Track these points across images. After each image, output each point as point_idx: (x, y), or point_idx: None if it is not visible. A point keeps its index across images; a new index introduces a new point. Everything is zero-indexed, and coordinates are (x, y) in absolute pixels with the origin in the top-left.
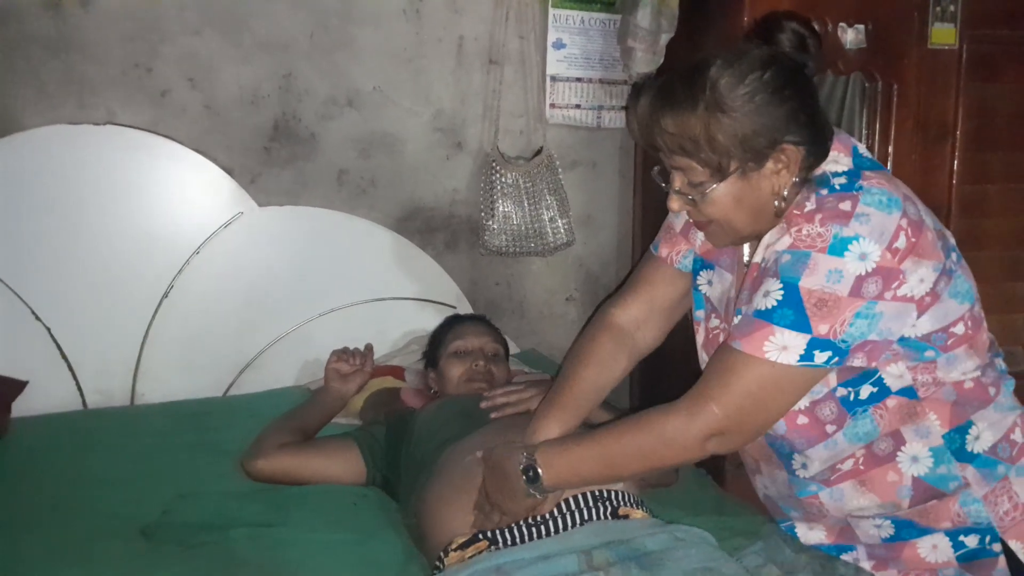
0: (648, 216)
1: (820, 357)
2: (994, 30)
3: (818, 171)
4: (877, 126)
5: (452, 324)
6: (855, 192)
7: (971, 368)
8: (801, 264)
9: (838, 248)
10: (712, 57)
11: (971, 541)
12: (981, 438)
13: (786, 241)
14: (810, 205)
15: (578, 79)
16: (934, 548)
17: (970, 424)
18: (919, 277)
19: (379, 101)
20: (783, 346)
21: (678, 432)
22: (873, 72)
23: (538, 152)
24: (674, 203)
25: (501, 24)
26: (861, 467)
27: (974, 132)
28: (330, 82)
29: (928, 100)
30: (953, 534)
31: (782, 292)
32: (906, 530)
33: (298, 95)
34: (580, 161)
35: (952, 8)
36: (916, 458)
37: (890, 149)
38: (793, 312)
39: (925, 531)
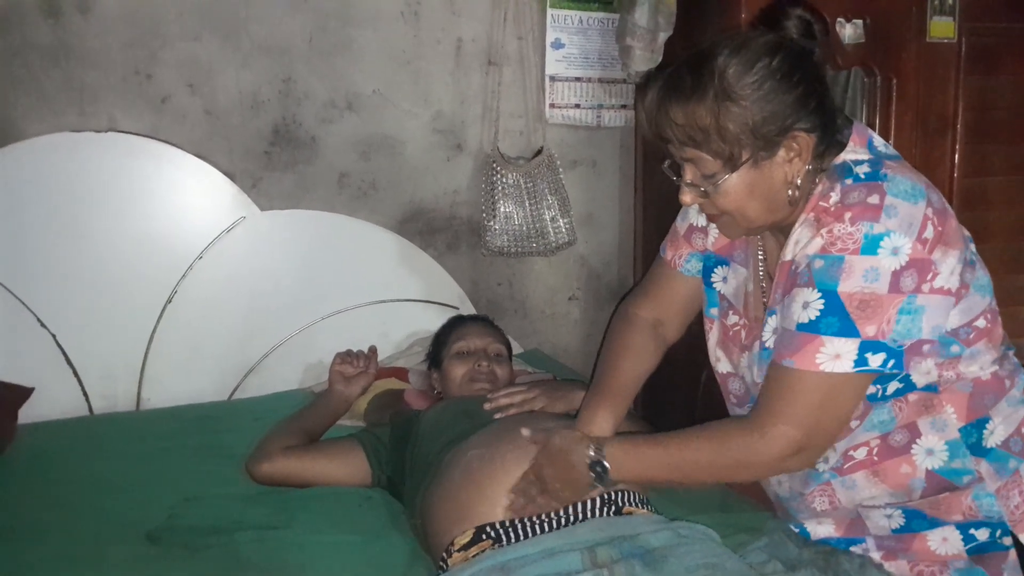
0: (649, 214)
1: (874, 361)
2: (993, 23)
3: (838, 160)
4: (877, 121)
5: (455, 325)
6: (880, 181)
7: (988, 362)
8: (836, 269)
9: (870, 247)
10: (719, 45)
11: (982, 534)
12: (995, 432)
13: (817, 243)
14: (835, 196)
15: (577, 79)
16: (944, 541)
17: (987, 419)
18: (949, 268)
19: (379, 103)
20: (835, 355)
21: (754, 455)
22: (872, 67)
23: (538, 152)
24: (686, 196)
25: (499, 25)
26: (875, 458)
27: (974, 125)
28: (330, 85)
29: (927, 94)
30: (964, 527)
31: (823, 301)
32: (916, 521)
33: (298, 99)
34: (580, 160)
35: (950, 1)
36: (931, 451)
37: (890, 143)
38: (838, 319)
39: (935, 523)
